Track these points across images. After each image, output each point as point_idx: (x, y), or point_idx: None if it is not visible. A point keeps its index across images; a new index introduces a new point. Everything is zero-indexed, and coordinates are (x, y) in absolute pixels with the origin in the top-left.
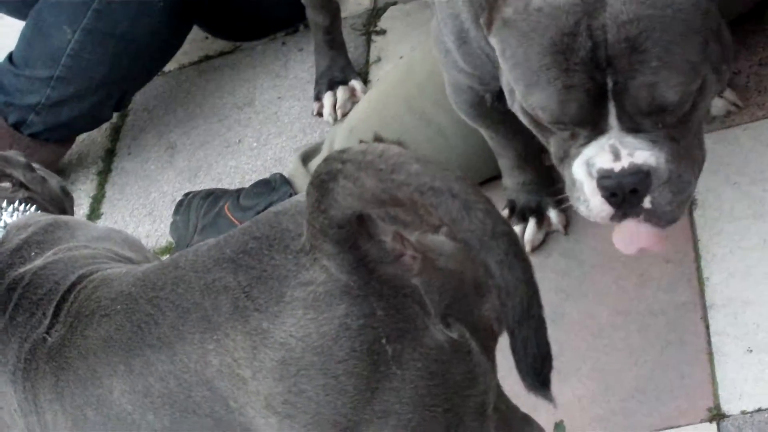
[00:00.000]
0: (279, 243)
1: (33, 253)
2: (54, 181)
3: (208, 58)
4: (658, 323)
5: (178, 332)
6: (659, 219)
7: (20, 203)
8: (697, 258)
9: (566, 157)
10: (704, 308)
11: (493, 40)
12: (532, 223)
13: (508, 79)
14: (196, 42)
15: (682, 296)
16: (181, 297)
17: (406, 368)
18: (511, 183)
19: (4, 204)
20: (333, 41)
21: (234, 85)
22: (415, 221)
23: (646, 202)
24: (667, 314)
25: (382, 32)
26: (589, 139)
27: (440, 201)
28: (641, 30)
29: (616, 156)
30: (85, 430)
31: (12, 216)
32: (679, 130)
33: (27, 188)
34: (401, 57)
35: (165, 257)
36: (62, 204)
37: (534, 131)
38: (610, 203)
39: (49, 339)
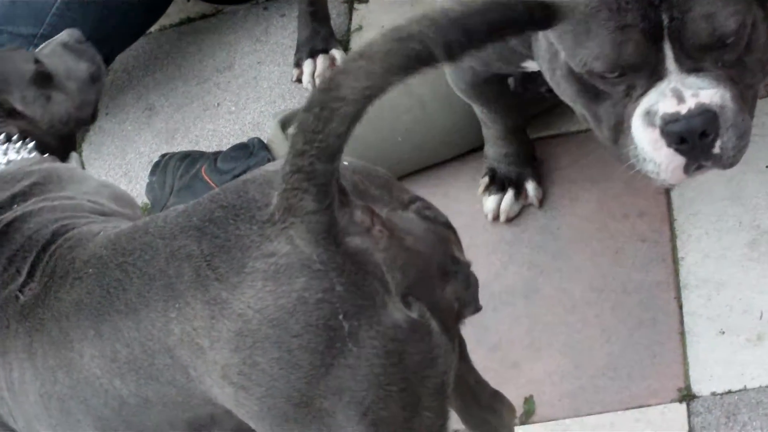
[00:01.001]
0: (245, 212)
1: (15, 205)
2: (82, 66)
3: (189, 20)
4: (632, 301)
5: (143, 299)
6: (724, 165)
7: (8, 140)
8: (673, 238)
9: (623, 123)
10: (678, 288)
11: None
12: (510, 193)
13: (549, 41)
14: (177, 4)
15: (656, 275)
16: (148, 263)
17: (362, 346)
18: (494, 153)
19: None
20: (317, 13)
21: (214, 48)
22: (385, 197)
23: (716, 147)
24: (641, 293)
25: (365, 0)
26: (647, 88)
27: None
28: None
29: (680, 98)
30: (54, 392)
31: None
32: (738, 71)
33: (22, 116)
34: (383, 26)
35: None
36: (66, 128)
37: (578, 101)
38: (680, 152)
39: (22, 297)
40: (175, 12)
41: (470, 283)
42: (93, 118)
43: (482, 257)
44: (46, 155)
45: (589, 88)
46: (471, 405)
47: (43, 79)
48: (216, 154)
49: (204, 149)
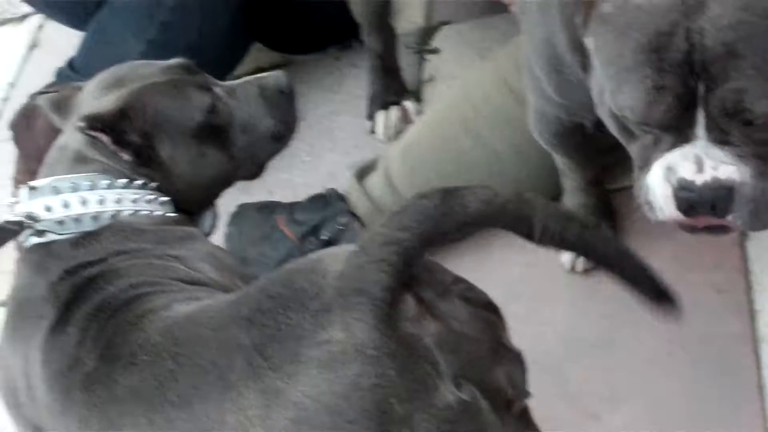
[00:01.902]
0: (295, 303)
1: (111, 260)
2: (268, 121)
3: (260, 70)
4: (709, 353)
5: (196, 391)
6: (739, 229)
7: (140, 185)
8: (748, 290)
9: (646, 166)
10: (755, 341)
11: (589, 39)
12: None
13: (599, 79)
14: (249, 53)
15: (733, 327)
16: (199, 355)
17: (416, 428)
18: (572, 203)
19: (121, 182)
20: (387, 66)
21: None
22: (430, 280)
23: (727, 221)
24: (718, 345)
25: (436, 51)
26: (673, 146)
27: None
28: (740, 36)
29: (700, 167)
30: None
31: (118, 202)
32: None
33: (161, 167)
34: (454, 77)
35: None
36: (206, 192)
37: (618, 136)
38: (686, 215)
39: (88, 365)
40: (246, 61)
41: (521, 366)
42: (257, 175)
43: (559, 308)
44: (175, 215)
45: (626, 128)
46: None
47: (208, 134)
48: (292, 205)
49: (279, 199)
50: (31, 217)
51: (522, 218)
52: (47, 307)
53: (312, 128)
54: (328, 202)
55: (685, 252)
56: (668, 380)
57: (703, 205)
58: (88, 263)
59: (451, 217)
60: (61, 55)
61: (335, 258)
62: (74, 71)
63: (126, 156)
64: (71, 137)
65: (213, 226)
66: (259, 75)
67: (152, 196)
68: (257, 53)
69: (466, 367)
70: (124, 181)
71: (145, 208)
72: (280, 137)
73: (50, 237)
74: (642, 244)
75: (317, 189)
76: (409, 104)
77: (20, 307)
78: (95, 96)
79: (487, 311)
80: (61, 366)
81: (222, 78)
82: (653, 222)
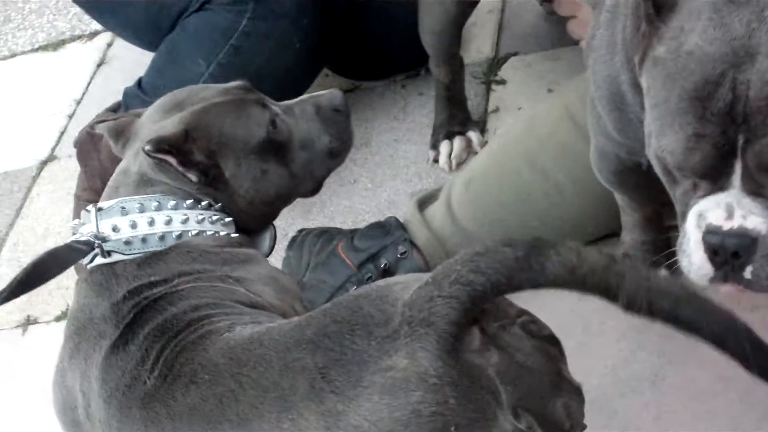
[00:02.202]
0: (361, 328)
1: (175, 281)
2: (324, 138)
3: None
4: (760, 392)
5: (256, 410)
6: (755, 289)
7: (206, 206)
8: None
9: (685, 210)
10: None
11: (642, 79)
12: None
13: (647, 120)
14: (317, 78)
15: None
16: (262, 375)
17: None
18: (631, 240)
19: (187, 203)
20: (453, 97)
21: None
22: (494, 311)
23: (747, 272)
24: None
25: (502, 82)
26: (708, 193)
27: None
28: None
29: (730, 214)
30: None
31: (184, 223)
32: None
33: (224, 185)
34: (519, 108)
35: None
36: (267, 208)
37: (662, 179)
38: (712, 262)
39: (147, 384)
40: (313, 86)
41: (579, 400)
42: (315, 192)
43: (612, 343)
44: (237, 235)
45: (669, 172)
46: None
47: (269, 149)
48: (353, 232)
49: (339, 225)
50: (99, 237)
51: (606, 290)
52: (108, 327)
53: (375, 155)
54: (387, 230)
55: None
56: (718, 418)
57: (724, 250)
58: (152, 284)
59: (529, 275)
60: (128, 73)
61: (404, 286)
62: (143, 91)
63: (192, 177)
64: (133, 161)
65: (271, 248)
66: (314, 94)
67: (216, 217)
68: (324, 78)
69: (525, 398)
70: (190, 201)
71: (210, 229)
72: (337, 154)
73: (116, 257)
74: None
75: (378, 217)
76: (473, 135)
77: (81, 326)
78: (155, 120)
79: (549, 344)
80: (120, 384)
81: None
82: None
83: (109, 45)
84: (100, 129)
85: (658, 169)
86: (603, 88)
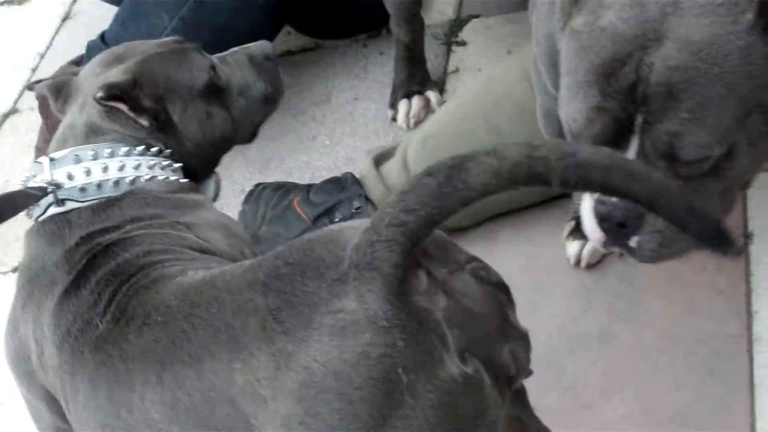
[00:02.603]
0: (312, 271)
1: (128, 227)
2: (260, 85)
3: (289, 53)
4: (704, 352)
5: (208, 350)
6: (638, 259)
7: (155, 152)
8: (748, 292)
9: None
10: (750, 341)
11: (561, 45)
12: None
13: (560, 86)
14: (278, 37)
15: (730, 328)
16: (214, 316)
17: (419, 398)
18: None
19: (138, 150)
20: (413, 57)
21: (312, 81)
22: (443, 257)
23: (633, 241)
24: (713, 344)
25: (463, 43)
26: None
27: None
28: (683, 79)
29: None
30: (117, 426)
31: (137, 168)
32: (696, 187)
33: (173, 130)
34: (479, 69)
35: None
36: (213, 150)
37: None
38: (601, 228)
39: (100, 327)
40: (276, 44)
41: (525, 346)
42: (251, 139)
43: (562, 301)
44: (186, 181)
45: (575, 137)
46: None
47: (212, 93)
48: (309, 187)
49: (297, 181)
50: (54, 185)
51: (537, 177)
52: (61, 274)
53: (334, 113)
54: (343, 185)
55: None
56: (662, 376)
57: (610, 220)
58: (104, 230)
59: (457, 196)
60: (93, 27)
61: (356, 231)
62: (105, 45)
63: (144, 121)
64: (79, 114)
65: (216, 194)
66: (244, 46)
67: (166, 162)
68: (286, 36)
69: (472, 342)
70: (141, 148)
71: (161, 174)
72: (272, 100)
73: (70, 206)
74: None
75: (335, 173)
76: (432, 94)
77: (34, 275)
78: (97, 73)
79: (498, 290)
80: (72, 329)
81: None
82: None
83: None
84: (38, 89)
85: (567, 134)
86: (543, 44)
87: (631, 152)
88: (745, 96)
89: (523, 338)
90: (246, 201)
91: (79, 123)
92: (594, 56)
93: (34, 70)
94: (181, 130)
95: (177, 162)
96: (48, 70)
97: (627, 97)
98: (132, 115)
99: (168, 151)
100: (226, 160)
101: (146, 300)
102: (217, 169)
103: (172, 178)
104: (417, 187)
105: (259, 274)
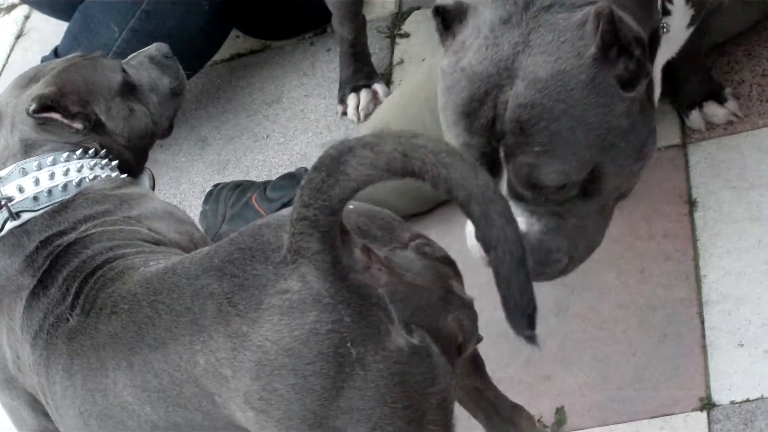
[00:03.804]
0: (260, 254)
1: (83, 225)
2: (165, 80)
3: (239, 55)
4: (657, 317)
5: (171, 334)
6: None
7: (93, 154)
8: (696, 257)
9: None
10: (700, 304)
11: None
12: None
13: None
14: (227, 40)
15: (680, 292)
16: (175, 301)
17: (369, 369)
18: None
19: (77, 153)
20: (358, 53)
21: (263, 82)
22: (386, 236)
23: None
24: (665, 309)
25: (406, 35)
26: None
27: (453, 162)
28: (531, 116)
29: None
30: (94, 411)
31: (80, 170)
32: (569, 209)
33: (104, 129)
34: (423, 60)
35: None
36: (142, 142)
37: None
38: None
39: (71, 321)
40: (225, 48)
41: (471, 314)
42: (168, 132)
43: None
44: (125, 176)
45: None
46: (493, 419)
47: (128, 91)
48: (266, 183)
49: (254, 179)
50: (6, 199)
51: (410, 174)
52: (26, 279)
53: (286, 111)
54: (298, 179)
55: (637, 223)
56: (617, 343)
57: None
58: (61, 232)
59: (341, 187)
60: (46, 44)
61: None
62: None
63: (78, 125)
64: (10, 135)
65: (152, 187)
66: (141, 50)
67: (105, 161)
68: (234, 40)
69: (416, 314)
70: (79, 151)
71: (102, 173)
72: (179, 92)
73: (25, 217)
74: None
75: (291, 169)
76: (378, 87)
77: (1, 287)
78: (16, 96)
79: (442, 263)
80: (44, 325)
81: (201, 66)
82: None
83: (27, 17)
84: None
85: None
86: None
87: (503, 182)
88: (594, 124)
89: (467, 306)
90: (206, 201)
91: (13, 142)
92: (456, 96)
93: None
94: (110, 128)
95: (112, 160)
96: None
97: (489, 134)
98: (66, 121)
99: (103, 150)
100: (185, 162)
101: (113, 291)
102: (177, 172)
103: (113, 174)
104: (308, 182)
105: (215, 260)
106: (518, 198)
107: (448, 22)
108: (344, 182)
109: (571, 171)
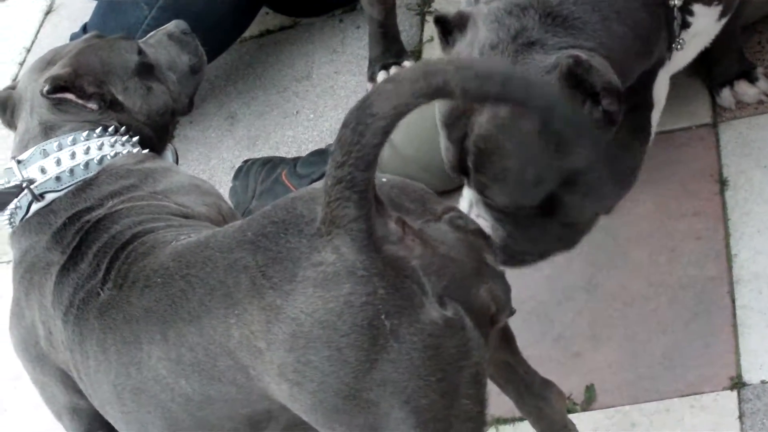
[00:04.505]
0: (294, 227)
1: (109, 201)
2: (184, 57)
3: (268, 32)
4: (687, 296)
5: (205, 307)
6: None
7: (115, 132)
8: (727, 236)
9: None
10: (731, 283)
11: None
12: None
13: None
14: (257, 17)
15: (710, 271)
16: (209, 275)
17: (403, 342)
18: None
19: (97, 132)
20: (387, 33)
21: (293, 58)
22: (419, 209)
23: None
24: (695, 287)
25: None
26: (468, 184)
27: (471, 65)
28: (487, 146)
29: (471, 208)
30: (128, 385)
31: (100, 148)
32: (534, 222)
33: (122, 107)
34: None
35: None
36: (163, 119)
37: None
38: None
39: (102, 295)
40: (255, 24)
41: (503, 286)
42: (189, 109)
43: None
44: (147, 151)
45: None
46: (523, 394)
47: (145, 70)
48: (295, 160)
49: (284, 155)
50: (27, 180)
51: (437, 92)
52: (55, 255)
53: (316, 87)
54: (328, 156)
55: (667, 202)
56: (647, 321)
57: None
58: (89, 208)
59: (372, 128)
60: (75, 19)
61: None
62: None
63: (93, 105)
64: (30, 119)
65: (176, 161)
66: (160, 28)
67: (125, 138)
68: (264, 17)
69: (450, 287)
70: (99, 129)
71: (123, 149)
72: (198, 69)
73: (49, 197)
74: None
75: (320, 146)
76: (408, 64)
77: (30, 265)
78: (34, 79)
79: (475, 236)
80: (75, 300)
81: (231, 43)
82: None
83: None
84: None
85: None
86: None
87: (472, 184)
88: (545, 165)
89: (499, 276)
90: (236, 177)
91: (33, 125)
92: (443, 105)
93: (21, 64)
94: (128, 107)
95: (133, 137)
96: None
97: (461, 147)
98: (80, 101)
99: (123, 128)
100: (215, 138)
101: (146, 265)
102: (206, 148)
103: (134, 150)
104: (338, 141)
105: (248, 234)
106: (489, 204)
107: (448, 30)
108: (373, 124)
109: (521, 199)
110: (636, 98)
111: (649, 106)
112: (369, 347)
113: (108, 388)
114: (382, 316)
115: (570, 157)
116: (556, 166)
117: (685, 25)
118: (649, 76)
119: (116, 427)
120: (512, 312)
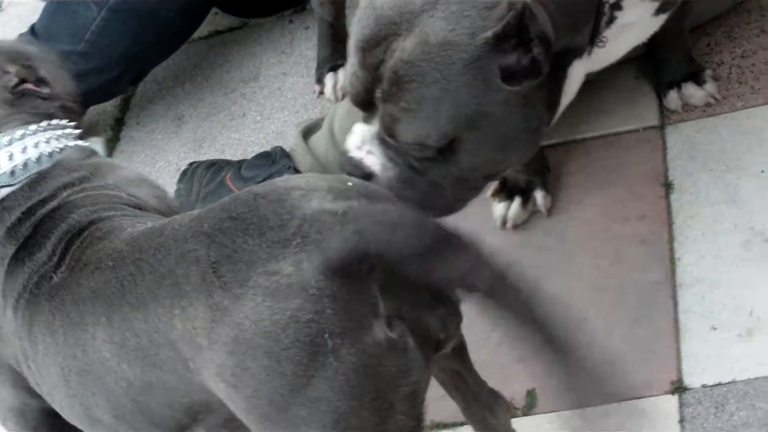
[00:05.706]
0: (255, 229)
1: (64, 192)
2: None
3: (217, 33)
4: (630, 300)
5: (153, 294)
6: None
7: (54, 124)
8: (671, 239)
9: None
10: (674, 287)
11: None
12: (517, 202)
13: None
14: (206, 18)
15: (654, 275)
16: (160, 262)
17: (342, 361)
18: None
19: (42, 125)
20: (336, 34)
21: (241, 60)
22: None
23: None
24: (639, 292)
25: None
26: (365, 120)
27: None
28: (407, 73)
29: (361, 145)
30: (74, 366)
31: (48, 142)
32: (426, 167)
33: (57, 97)
34: None
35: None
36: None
37: None
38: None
39: (55, 278)
40: (203, 25)
41: (457, 315)
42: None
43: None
44: (87, 144)
45: None
46: (471, 403)
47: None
48: (240, 163)
49: (230, 158)
50: None
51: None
52: (7, 248)
53: (263, 89)
54: (273, 159)
55: (612, 205)
56: (591, 326)
57: (352, 172)
58: (42, 201)
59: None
60: (24, 20)
61: (303, 194)
62: (36, 36)
63: (45, 90)
64: None
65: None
66: None
67: (68, 130)
68: (213, 17)
69: (403, 308)
70: (44, 123)
71: (68, 143)
72: None
73: (3, 192)
74: (571, 197)
75: (267, 148)
76: None
77: None
78: None
79: None
80: (28, 284)
81: (181, 44)
82: None
83: None
84: None
85: None
86: None
87: (376, 121)
88: (462, 102)
89: (454, 306)
90: (180, 180)
91: None
92: (361, 30)
93: None
94: (56, 89)
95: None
96: None
97: (373, 74)
98: (36, 88)
99: (64, 122)
100: (161, 140)
101: (100, 249)
102: (153, 150)
103: (79, 143)
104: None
105: (204, 225)
106: (383, 143)
107: None
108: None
109: (427, 136)
110: (553, 75)
111: (560, 85)
112: (308, 363)
113: (55, 370)
114: (326, 335)
115: (491, 96)
116: (473, 105)
117: (611, 20)
118: (566, 58)
119: (62, 413)
120: (458, 339)
